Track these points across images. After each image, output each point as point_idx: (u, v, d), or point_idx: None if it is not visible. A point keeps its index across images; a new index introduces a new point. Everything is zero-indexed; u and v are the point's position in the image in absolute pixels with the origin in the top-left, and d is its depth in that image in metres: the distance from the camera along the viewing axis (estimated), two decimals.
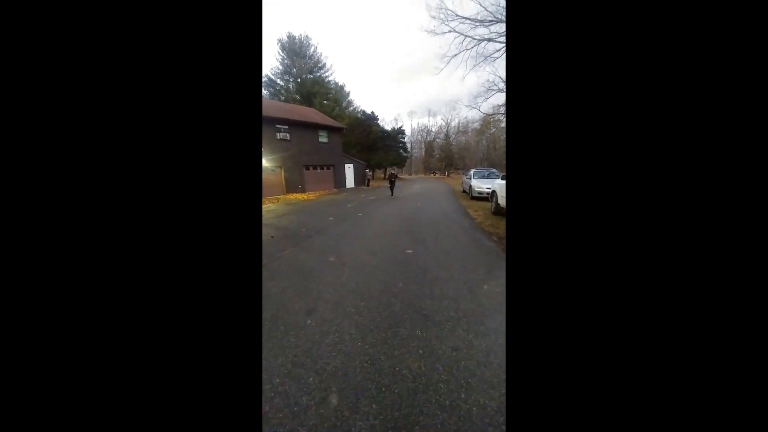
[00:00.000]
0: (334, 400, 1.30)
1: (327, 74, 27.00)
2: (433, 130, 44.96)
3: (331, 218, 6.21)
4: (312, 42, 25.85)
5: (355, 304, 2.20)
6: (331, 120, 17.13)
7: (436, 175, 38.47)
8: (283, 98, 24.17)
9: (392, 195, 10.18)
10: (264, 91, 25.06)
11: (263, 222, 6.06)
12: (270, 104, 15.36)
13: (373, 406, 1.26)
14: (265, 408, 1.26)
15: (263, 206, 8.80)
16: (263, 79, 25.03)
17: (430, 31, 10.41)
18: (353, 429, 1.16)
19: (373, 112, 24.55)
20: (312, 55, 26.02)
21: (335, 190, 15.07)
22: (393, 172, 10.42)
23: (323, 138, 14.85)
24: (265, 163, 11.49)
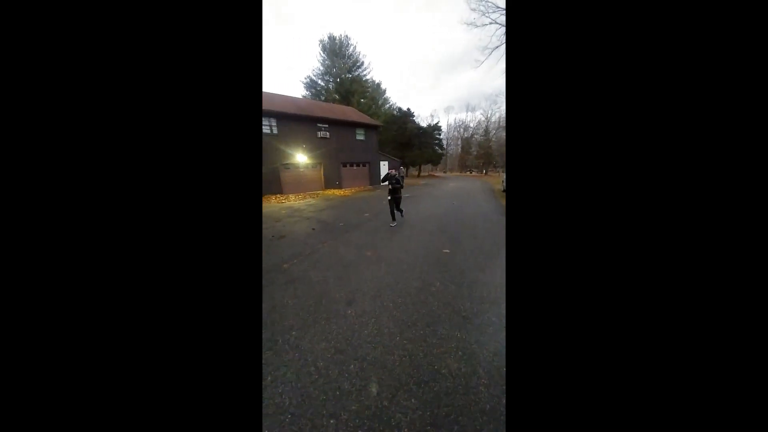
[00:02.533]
0: (374, 389, 1.35)
1: (364, 73, 27.47)
2: (472, 125, 43.01)
3: (366, 214, 6.34)
4: (351, 41, 26.52)
5: (393, 299, 2.23)
6: (368, 118, 17.42)
7: (473, 174, 36.83)
8: (323, 98, 25.20)
9: (394, 219, 5.14)
10: (305, 92, 26.40)
11: (304, 215, 6.43)
12: (312, 104, 16.15)
13: (412, 400, 1.28)
14: (309, 389, 1.36)
15: (303, 200, 9.34)
16: (304, 81, 26.39)
17: (470, 24, 9.99)
18: (393, 420, 1.19)
19: (408, 109, 24.34)
20: (351, 54, 26.66)
21: (370, 186, 15.34)
22: (392, 173, 4.96)
23: (360, 136, 15.18)
24: (306, 159, 12.17)
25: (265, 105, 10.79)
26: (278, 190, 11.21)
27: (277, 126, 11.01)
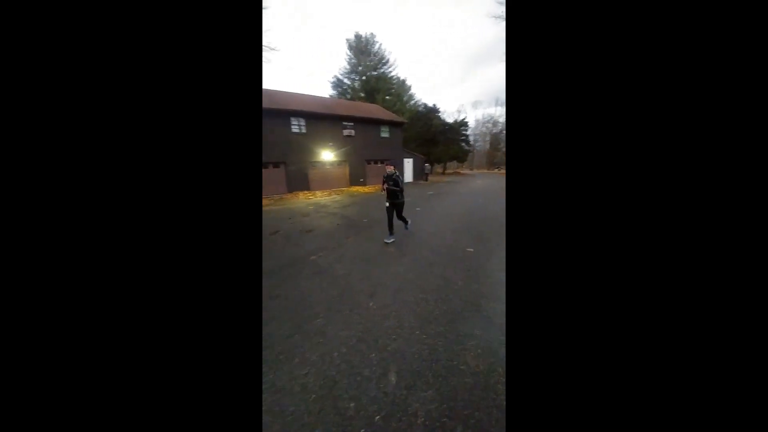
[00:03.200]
0: (392, 378, 1.41)
1: (390, 70, 27.41)
2: (501, 120, 41.01)
3: None
4: (377, 39, 26.55)
5: (414, 294, 2.27)
6: (393, 115, 17.39)
7: (501, 171, 35.16)
8: (349, 96, 25.64)
9: (392, 233, 3.87)
10: (332, 91, 27.04)
11: (330, 211, 6.66)
12: (337, 103, 16.52)
13: (429, 392, 1.32)
14: (332, 372, 1.45)
15: (329, 197, 9.65)
16: (331, 80, 27.01)
17: (498, 17, 9.53)
18: (410, 409, 1.23)
19: (434, 105, 23.86)
20: (377, 51, 26.72)
21: None
22: (390, 171, 3.80)
23: (385, 133, 15.23)
24: (332, 157, 12.53)
25: (294, 105, 11.25)
26: (306, 186, 11.68)
27: (306, 125, 11.43)
